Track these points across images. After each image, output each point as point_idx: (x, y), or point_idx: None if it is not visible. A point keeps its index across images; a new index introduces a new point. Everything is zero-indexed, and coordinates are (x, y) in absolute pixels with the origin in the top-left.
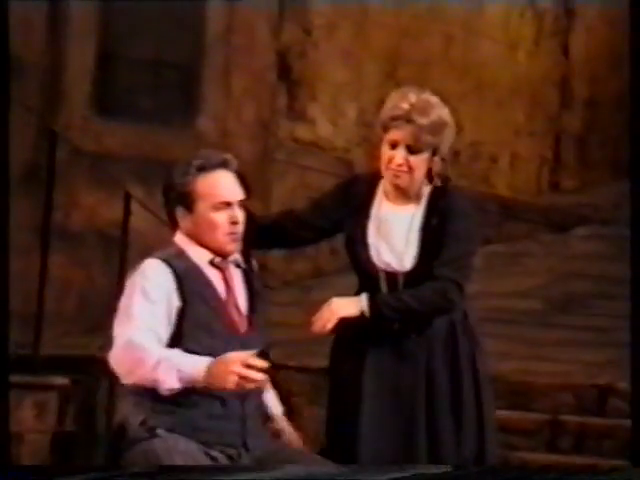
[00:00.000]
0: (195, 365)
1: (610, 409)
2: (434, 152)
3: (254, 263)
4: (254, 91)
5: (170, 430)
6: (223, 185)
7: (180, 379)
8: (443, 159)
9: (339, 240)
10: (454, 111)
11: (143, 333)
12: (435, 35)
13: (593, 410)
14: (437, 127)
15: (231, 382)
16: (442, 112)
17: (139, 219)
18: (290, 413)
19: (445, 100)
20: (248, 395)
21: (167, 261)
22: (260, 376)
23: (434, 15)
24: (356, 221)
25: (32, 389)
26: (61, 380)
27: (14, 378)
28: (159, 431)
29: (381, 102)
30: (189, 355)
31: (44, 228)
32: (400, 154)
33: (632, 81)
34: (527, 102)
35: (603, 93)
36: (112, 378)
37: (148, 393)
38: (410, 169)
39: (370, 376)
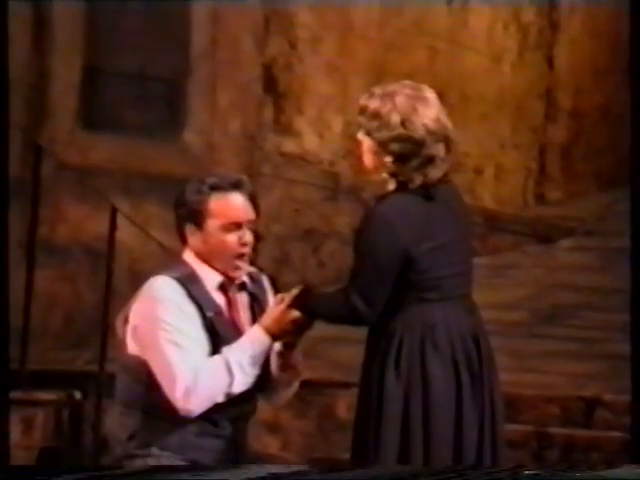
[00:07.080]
0: (255, 339)
1: (597, 421)
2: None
3: (264, 280)
4: (240, 104)
5: (162, 448)
6: (235, 206)
7: (255, 363)
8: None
9: (326, 252)
10: None
11: (194, 355)
12: (420, 48)
13: (580, 422)
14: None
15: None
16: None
17: (125, 233)
18: (277, 426)
19: None
20: (239, 415)
21: (180, 281)
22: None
23: (418, 28)
24: None
25: (18, 405)
26: (47, 395)
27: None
28: (153, 449)
29: None
30: (244, 339)
31: (30, 242)
32: None
33: (632, 90)
34: (512, 114)
35: (588, 105)
36: (99, 393)
37: (138, 405)
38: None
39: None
